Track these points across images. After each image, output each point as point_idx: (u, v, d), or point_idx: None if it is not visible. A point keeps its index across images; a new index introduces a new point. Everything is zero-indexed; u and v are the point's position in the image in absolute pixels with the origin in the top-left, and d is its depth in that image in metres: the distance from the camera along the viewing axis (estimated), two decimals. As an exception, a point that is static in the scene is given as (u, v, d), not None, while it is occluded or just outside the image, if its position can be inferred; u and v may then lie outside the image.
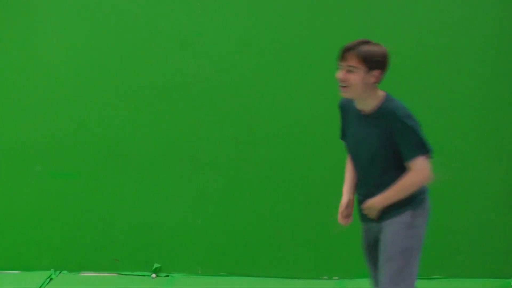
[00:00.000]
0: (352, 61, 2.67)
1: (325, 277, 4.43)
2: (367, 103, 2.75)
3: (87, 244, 4.48)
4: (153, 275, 4.43)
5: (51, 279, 4.37)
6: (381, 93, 2.78)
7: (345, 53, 2.70)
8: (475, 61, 4.31)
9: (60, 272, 4.46)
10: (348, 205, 2.97)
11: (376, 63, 2.69)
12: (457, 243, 4.39)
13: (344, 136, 2.96)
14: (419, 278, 4.28)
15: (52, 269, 4.47)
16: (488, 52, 4.30)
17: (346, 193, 2.98)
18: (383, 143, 2.72)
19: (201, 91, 4.35)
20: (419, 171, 2.69)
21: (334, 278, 4.42)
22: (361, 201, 2.90)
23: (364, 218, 2.89)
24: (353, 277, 4.39)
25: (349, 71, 2.68)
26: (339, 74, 2.71)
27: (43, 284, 4.26)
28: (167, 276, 4.44)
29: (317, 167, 4.36)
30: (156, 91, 4.39)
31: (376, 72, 2.70)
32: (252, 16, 4.34)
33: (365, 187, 2.86)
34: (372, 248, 2.92)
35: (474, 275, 4.36)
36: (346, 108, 2.89)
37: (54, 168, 4.44)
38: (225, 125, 4.38)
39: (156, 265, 4.45)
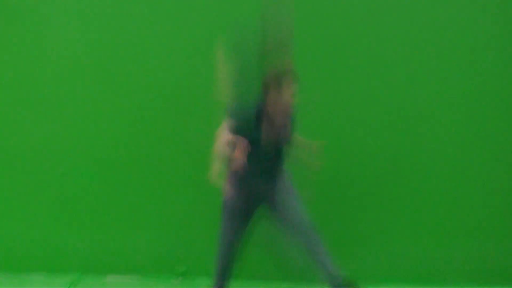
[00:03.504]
0: None
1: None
2: None
3: (112, 247, 4.50)
4: (178, 279, 4.44)
5: (76, 282, 4.39)
6: None
7: None
8: (478, 60, 4.30)
9: (85, 275, 4.48)
10: None
11: None
12: (452, 247, 4.38)
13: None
14: (411, 283, 4.33)
15: (77, 272, 4.49)
16: (491, 52, 4.29)
17: None
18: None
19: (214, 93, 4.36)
20: None
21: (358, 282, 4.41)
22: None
23: None
24: (378, 281, 4.40)
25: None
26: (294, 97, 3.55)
27: (68, 287, 4.28)
28: (192, 279, 4.45)
29: (329, 168, 4.36)
30: (169, 93, 4.39)
31: None
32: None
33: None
34: None
35: (476, 280, 4.36)
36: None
37: (79, 171, 4.47)
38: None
39: (181, 269, 4.46)
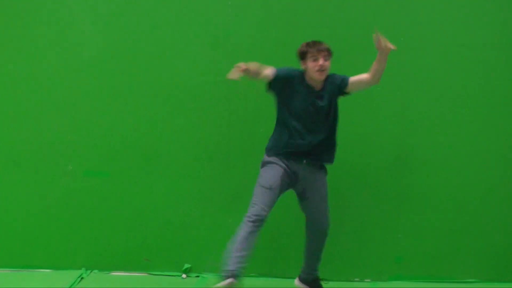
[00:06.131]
0: (328, 52, 3.75)
1: (356, 279, 4.39)
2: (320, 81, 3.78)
3: (118, 244, 4.50)
4: (184, 276, 4.43)
5: (82, 278, 4.39)
6: None
7: (324, 46, 3.75)
8: (482, 59, 4.27)
9: (91, 271, 4.47)
10: None
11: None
12: (460, 245, 4.34)
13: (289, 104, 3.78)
14: (419, 281, 4.29)
15: (83, 268, 4.49)
16: (495, 50, 4.25)
17: None
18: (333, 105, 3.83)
19: (233, 90, 4.34)
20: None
21: (366, 280, 4.38)
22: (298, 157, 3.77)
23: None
24: (385, 279, 4.36)
25: (326, 60, 3.73)
26: (321, 61, 3.70)
27: (74, 283, 4.28)
28: (198, 276, 4.43)
29: (334, 165, 4.33)
30: (187, 91, 4.40)
31: None
32: (284, 15, 4.33)
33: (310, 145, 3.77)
34: None
35: (483, 277, 4.31)
36: (296, 83, 3.77)
37: (86, 168, 4.47)
38: (256, 125, 4.36)
39: (186, 266, 4.44)
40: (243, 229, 3.64)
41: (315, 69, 3.72)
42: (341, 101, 4.29)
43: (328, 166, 4.29)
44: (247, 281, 4.32)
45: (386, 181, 4.35)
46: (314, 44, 3.76)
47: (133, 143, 4.45)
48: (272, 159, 3.81)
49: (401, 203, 4.36)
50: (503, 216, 4.32)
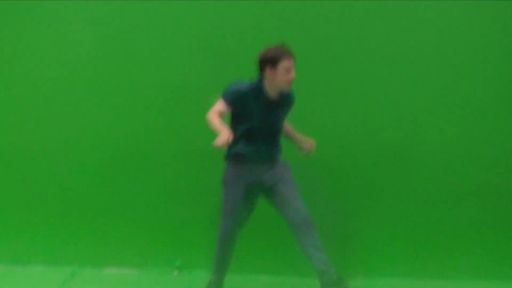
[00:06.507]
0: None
1: (350, 277, 4.37)
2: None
3: (111, 240, 4.50)
4: (176, 272, 4.43)
5: (74, 273, 4.40)
6: None
7: (292, 55, 3.55)
8: (480, 61, 4.24)
9: (83, 267, 4.48)
10: None
11: None
12: (458, 243, 4.31)
13: (246, 117, 3.61)
14: (414, 278, 4.27)
15: (75, 264, 4.50)
16: (491, 51, 4.23)
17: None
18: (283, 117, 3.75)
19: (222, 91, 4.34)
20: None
21: (357, 277, 4.35)
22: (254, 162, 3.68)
23: None
24: (379, 276, 4.34)
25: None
26: (293, 74, 3.55)
27: (66, 278, 4.29)
28: (189, 273, 4.43)
29: (329, 164, 4.32)
30: (177, 91, 4.41)
31: None
32: (271, 16, 4.32)
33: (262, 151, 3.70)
34: None
35: (476, 276, 4.29)
36: (249, 98, 3.57)
37: (79, 164, 4.49)
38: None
39: (178, 262, 4.44)
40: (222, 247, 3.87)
41: (287, 81, 3.55)
42: (340, 100, 4.30)
43: (326, 166, 4.31)
44: (246, 279, 4.33)
45: (382, 179, 4.34)
46: (286, 52, 3.53)
47: (126, 141, 4.46)
48: (233, 175, 3.73)
49: (398, 202, 4.34)
50: (501, 215, 4.29)
